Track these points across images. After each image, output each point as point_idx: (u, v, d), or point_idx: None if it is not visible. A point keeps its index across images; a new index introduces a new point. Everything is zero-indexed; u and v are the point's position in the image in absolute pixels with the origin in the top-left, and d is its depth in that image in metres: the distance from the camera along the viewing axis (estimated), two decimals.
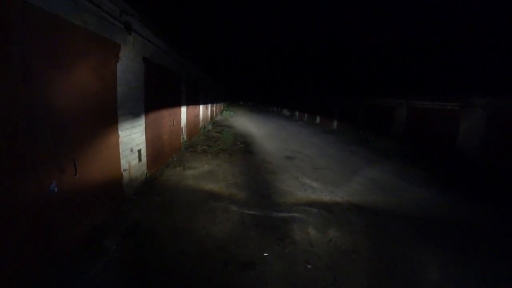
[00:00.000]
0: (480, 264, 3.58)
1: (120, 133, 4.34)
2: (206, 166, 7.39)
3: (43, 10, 2.53)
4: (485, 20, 4.96)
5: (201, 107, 14.09)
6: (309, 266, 3.28)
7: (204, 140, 11.59)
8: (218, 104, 26.78)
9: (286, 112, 37.01)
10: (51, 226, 2.75)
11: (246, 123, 21.13)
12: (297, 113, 31.40)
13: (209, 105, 18.13)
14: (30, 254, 2.48)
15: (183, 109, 9.43)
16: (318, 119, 24.11)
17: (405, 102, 12.35)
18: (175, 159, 7.92)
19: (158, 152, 6.52)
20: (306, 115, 27.98)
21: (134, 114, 4.91)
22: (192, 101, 11.30)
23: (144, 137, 5.44)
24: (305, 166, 8.12)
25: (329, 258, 3.48)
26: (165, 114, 7.14)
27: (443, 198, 6.09)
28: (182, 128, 9.30)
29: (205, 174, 6.61)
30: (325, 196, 5.65)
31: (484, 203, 5.95)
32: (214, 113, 22.75)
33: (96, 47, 3.55)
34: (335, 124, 20.00)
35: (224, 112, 31.66)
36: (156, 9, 4.77)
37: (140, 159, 5.25)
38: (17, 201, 2.31)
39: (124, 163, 4.54)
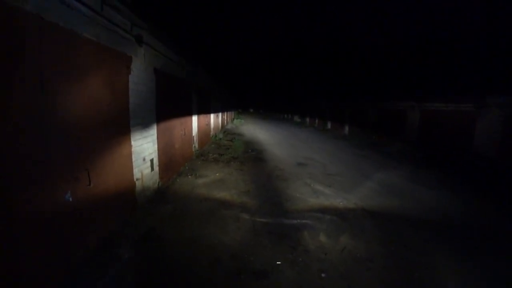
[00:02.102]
0: (500, 270, 3.42)
1: (132, 143, 4.42)
2: (217, 174, 7.41)
3: (59, 26, 2.63)
4: (496, 20, 4.85)
5: (212, 115, 14.22)
6: (323, 275, 3.20)
7: (215, 149, 11.66)
8: (228, 112, 27.00)
9: (296, 118, 36.93)
10: (66, 234, 2.80)
11: (257, 130, 21.17)
12: (307, 119, 31.29)
13: (220, 114, 18.30)
14: (45, 261, 2.53)
15: (194, 118, 9.54)
16: (329, 125, 23.94)
17: (417, 105, 12.12)
18: (187, 167, 7.98)
19: (170, 161, 6.59)
20: (316, 121, 27.84)
21: (146, 124, 5.00)
22: (203, 110, 11.43)
23: (156, 146, 5.52)
24: (317, 172, 8.03)
25: (344, 266, 3.39)
26: (177, 124, 7.24)
27: (458, 201, 5.88)
28: (193, 137, 9.40)
29: (216, 182, 6.62)
30: (338, 202, 5.55)
31: (501, 205, 5.71)
32: (225, 121, 22.93)
33: (108, 60, 3.65)
34: (346, 129, 19.80)
35: (235, 120, 31.90)
36: (165, 21, 4.89)
37: (152, 168, 5.32)
38: (34, 210, 2.37)
39: (136, 172, 4.60)
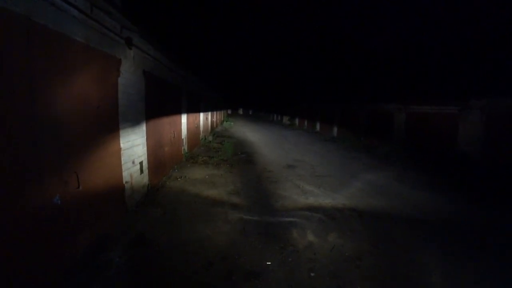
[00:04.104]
0: (485, 266, 3.56)
1: (121, 145, 4.39)
2: (207, 176, 7.41)
3: (48, 28, 2.61)
4: (479, 23, 5.05)
5: (202, 118, 14.18)
6: (312, 274, 3.27)
7: (205, 151, 11.63)
8: (218, 115, 26.92)
9: (286, 120, 37.17)
10: (55, 239, 2.76)
11: (247, 133, 21.21)
12: (297, 121, 31.55)
13: (209, 116, 18.25)
14: (34, 267, 2.50)
15: (184, 121, 9.52)
16: (318, 127, 24.21)
17: (403, 107, 12.44)
18: (176, 170, 7.95)
19: (160, 164, 6.56)
20: (306, 122, 28.11)
21: (135, 127, 4.97)
22: (193, 113, 11.40)
23: (145, 149, 5.49)
24: (306, 174, 8.14)
25: (333, 265, 3.47)
26: (166, 126, 7.21)
27: (445, 201, 6.08)
28: (183, 139, 9.36)
29: (206, 185, 6.62)
30: (327, 203, 5.65)
31: (486, 204, 5.94)
32: (215, 123, 22.87)
33: (97, 62, 3.63)
34: (335, 131, 20.08)
35: (224, 122, 31.83)
36: (155, 24, 4.89)
37: (141, 171, 5.29)
38: (22, 214, 2.34)
39: (126, 175, 4.57)
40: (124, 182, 4.51)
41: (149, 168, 5.70)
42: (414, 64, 8.18)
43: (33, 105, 2.46)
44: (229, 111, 53.56)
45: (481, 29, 5.19)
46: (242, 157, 10.61)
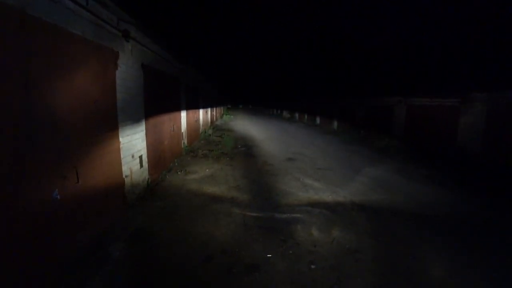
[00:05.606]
0: (485, 261, 3.57)
1: (121, 139, 4.36)
2: (207, 170, 7.40)
3: (42, 20, 2.56)
4: (480, 16, 4.97)
5: (201, 111, 14.13)
6: (313, 266, 3.27)
7: (205, 145, 11.61)
8: (218, 108, 26.85)
9: (286, 114, 37.07)
10: (54, 234, 2.76)
11: (247, 126, 21.16)
12: (297, 115, 31.46)
13: (209, 110, 18.18)
14: (33, 262, 2.49)
15: (183, 114, 9.47)
16: (318, 120, 24.14)
17: (403, 100, 12.35)
18: (176, 164, 7.94)
19: (159, 158, 6.54)
20: (306, 116, 28.02)
21: (134, 120, 4.94)
22: (192, 106, 11.34)
23: (145, 143, 5.47)
24: (306, 167, 8.13)
25: (333, 258, 3.47)
26: (165, 120, 7.17)
27: (445, 195, 6.08)
28: (182, 133, 9.33)
29: (206, 178, 6.62)
30: (327, 196, 5.65)
31: (486, 198, 5.93)
32: (214, 117, 22.81)
33: (94, 55, 3.58)
34: (335, 124, 20.02)
35: (224, 116, 31.79)
36: (153, 16, 4.81)
37: (141, 165, 5.27)
38: (20, 209, 2.32)
39: (125, 169, 4.56)
40: (123, 176, 4.50)
41: (148, 162, 5.69)
42: (415, 61, 8.09)
43: (29, 99, 2.42)
44: (229, 106, 53.38)
45: (482, 26, 5.12)
46: (242, 150, 10.59)
